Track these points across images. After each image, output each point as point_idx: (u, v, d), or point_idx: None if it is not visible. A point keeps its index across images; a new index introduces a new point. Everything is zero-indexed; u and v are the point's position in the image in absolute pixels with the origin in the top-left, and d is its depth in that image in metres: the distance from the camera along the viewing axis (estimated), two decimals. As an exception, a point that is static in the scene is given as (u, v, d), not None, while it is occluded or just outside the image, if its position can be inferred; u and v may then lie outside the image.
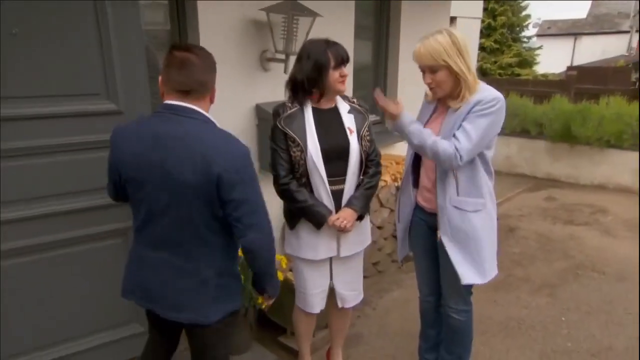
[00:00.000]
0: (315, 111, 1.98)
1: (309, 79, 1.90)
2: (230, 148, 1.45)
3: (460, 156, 1.78)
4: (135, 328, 2.34)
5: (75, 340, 2.20)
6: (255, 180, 1.50)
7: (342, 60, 1.91)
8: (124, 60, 2.07)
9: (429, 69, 1.84)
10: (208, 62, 1.52)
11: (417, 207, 2.12)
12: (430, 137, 1.84)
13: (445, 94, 1.89)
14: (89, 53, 1.98)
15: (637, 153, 5.66)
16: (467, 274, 1.94)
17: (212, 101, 1.58)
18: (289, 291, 2.70)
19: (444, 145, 1.80)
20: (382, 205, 3.47)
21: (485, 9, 14.25)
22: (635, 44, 19.06)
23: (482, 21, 14.09)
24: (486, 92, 1.84)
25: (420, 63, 1.85)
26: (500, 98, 1.83)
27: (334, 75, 1.90)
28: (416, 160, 2.10)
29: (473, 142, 1.78)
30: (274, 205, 1.96)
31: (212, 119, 1.53)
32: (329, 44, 1.91)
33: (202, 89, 1.49)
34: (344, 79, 1.93)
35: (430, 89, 1.89)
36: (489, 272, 1.98)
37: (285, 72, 2.74)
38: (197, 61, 1.47)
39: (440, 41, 1.77)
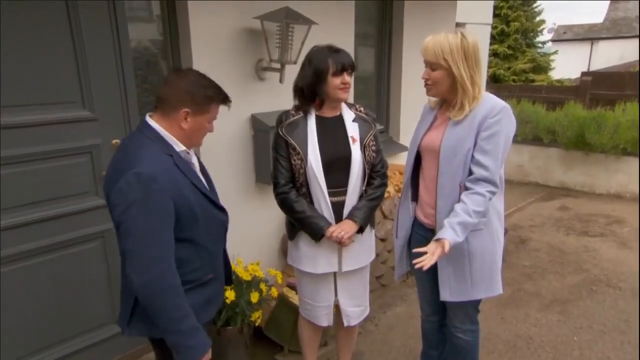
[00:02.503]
0: (319, 119, 1.94)
1: (309, 86, 1.89)
2: (125, 166, 1.35)
3: (494, 182, 1.73)
4: (113, 329, 2.40)
5: (55, 347, 2.24)
6: (140, 206, 1.31)
7: (344, 68, 1.85)
8: (98, 69, 2.16)
9: (429, 65, 1.77)
10: (181, 84, 1.43)
11: (417, 222, 2.02)
12: (466, 214, 1.68)
13: (438, 96, 1.83)
14: (63, 62, 2.06)
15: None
16: (445, 294, 1.91)
17: (181, 128, 1.44)
18: (286, 308, 2.62)
19: (477, 199, 1.70)
20: (385, 217, 3.37)
21: (498, 15, 14.12)
22: (654, 48, 18.61)
23: (495, 27, 13.94)
24: (491, 102, 1.75)
25: (424, 57, 1.78)
26: (507, 107, 1.75)
27: (333, 82, 1.86)
28: (415, 173, 2.00)
29: (499, 161, 1.73)
30: (274, 215, 1.92)
31: (164, 137, 1.44)
32: (331, 50, 1.88)
33: (164, 103, 1.44)
34: (346, 86, 1.87)
35: (425, 85, 1.82)
36: (476, 291, 1.89)
37: (280, 81, 2.69)
38: (173, 78, 1.46)
39: (450, 40, 1.70)
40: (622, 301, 3.25)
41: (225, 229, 1.64)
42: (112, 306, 2.36)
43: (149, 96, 2.46)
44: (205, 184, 1.55)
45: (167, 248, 1.37)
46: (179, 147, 1.46)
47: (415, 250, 1.68)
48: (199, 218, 1.47)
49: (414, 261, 1.63)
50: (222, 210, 1.60)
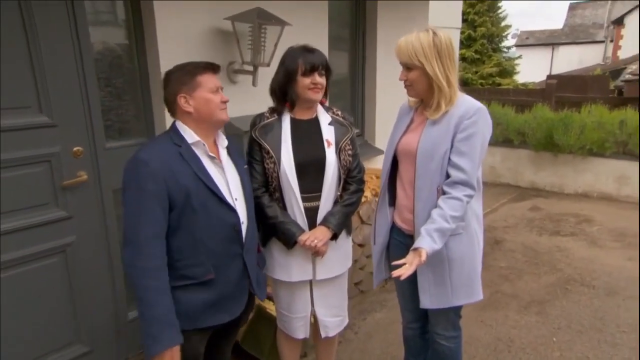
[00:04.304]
0: (294, 122, 1.88)
1: (280, 86, 1.84)
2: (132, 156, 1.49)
3: (471, 185, 1.68)
4: (78, 349, 2.25)
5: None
6: (132, 186, 1.45)
7: (313, 67, 1.79)
8: (56, 71, 2.01)
9: (404, 66, 1.73)
10: (167, 82, 1.56)
11: (395, 228, 1.96)
12: (443, 220, 1.63)
13: (419, 97, 1.79)
14: (16, 63, 1.90)
15: (621, 161, 5.65)
16: (425, 301, 1.85)
17: (190, 113, 1.54)
18: (263, 319, 2.52)
19: (454, 204, 1.65)
20: (362, 222, 3.31)
21: (465, 20, 14.44)
22: (609, 53, 19.53)
23: (463, 32, 14.25)
24: (467, 103, 1.72)
25: (398, 58, 1.74)
26: (483, 108, 1.72)
27: (303, 82, 1.80)
28: (392, 177, 1.94)
29: (476, 163, 1.68)
30: None
31: (179, 129, 1.55)
32: (304, 50, 1.83)
33: (169, 106, 1.58)
34: (316, 87, 1.81)
35: (405, 86, 1.78)
36: (456, 298, 1.84)
37: (254, 84, 2.59)
38: (163, 84, 1.58)
39: (422, 40, 1.66)
40: (596, 300, 3.29)
41: (236, 231, 1.59)
42: (75, 325, 2.20)
43: (114, 100, 2.31)
44: (216, 180, 1.55)
45: (150, 228, 1.42)
46: (192, 138, 1.53)
47: (394, 262, 1.63)
48: (197, 210, 1.48)
49: (392, 273, 1.58)
50: (232, 210, 1.57)
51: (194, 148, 1.54)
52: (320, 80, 1.81)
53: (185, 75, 1.52)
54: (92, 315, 2.24)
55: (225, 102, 1.58)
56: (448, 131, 1.70)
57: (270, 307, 2.51)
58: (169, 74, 1.56)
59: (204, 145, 1.56)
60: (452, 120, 1.70)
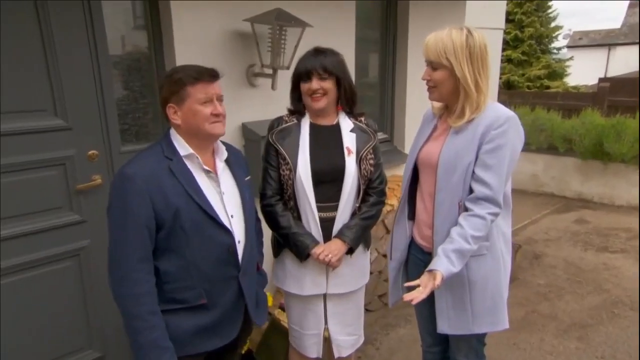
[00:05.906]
0: (313, 127, 1.79)
1: (291, 91, 1.81)
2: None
3: (497, 202, 1.52)
4: (90, 355, 2.24)
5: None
6: (115, 208, 1.35)
7: (307, 73, 1.70)
8: (72, 73, 2.00)
9: (430, 64, 1.59)
10: (160, 87, 1.45)
11: (413, 244, 1.82)
12: (463, 240, 1.49)
13: (442, 100, 1.64)
14: (32, 66, 1.90)
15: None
16: (443, 326, 1.69)
17: (179, 125, 1.42)
18: (277, 332, 2.44)
19: (476, 223, 1.50)
20: (388, 231, 3.17)
21: (512, 21, 13.91)
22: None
23: (508, 33, 13.70)
24: (496, 112, 1.56)
25: (425, 55, 1.60)
26: (513, 117, 1.55)
27: (303, 88, 1.73)
28: (413, 188, 1.80)
29: (503, 178, 1.53)
30: (267, 231, 1.80)
31: (173, 140, 1.43)
32: (311, 52, 1.75)
33: (164, 113, 1.44)
34: (314, 93, 1.71)
35: (428, 88, 1.63)
36: (477, 325, 1.67)
37: (273, 88, 2.51)
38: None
39: (454, 38, 1.52)
40: (647, 327, 2.98)
41: (231, 253, 1.47)
42: (88, 330, 2.20)
43: (131, 104, 2.30)
44: (209, 197, 1.42)
45: (136, 251, 1.32)
46: (185, 150, 1.41)
47: (407, 284, 1.50)
48: (187, 230, 1.37)
49: (404, 296, 1.44)
50: (226, 230, 1.45)
51: (186, 161, 1.41)
52: (317, 86, 1.70)
53: (176, 83, 1.37)
54: (104, 320, 2.23)
55: (217, 114, 1.41)
56: (473, 141, 1.54)
57: (283, 318, 2.42)
58: (167, 76, 1.43)
59: (197, 158, 1.42)
60: (478, 130, 1.54)
